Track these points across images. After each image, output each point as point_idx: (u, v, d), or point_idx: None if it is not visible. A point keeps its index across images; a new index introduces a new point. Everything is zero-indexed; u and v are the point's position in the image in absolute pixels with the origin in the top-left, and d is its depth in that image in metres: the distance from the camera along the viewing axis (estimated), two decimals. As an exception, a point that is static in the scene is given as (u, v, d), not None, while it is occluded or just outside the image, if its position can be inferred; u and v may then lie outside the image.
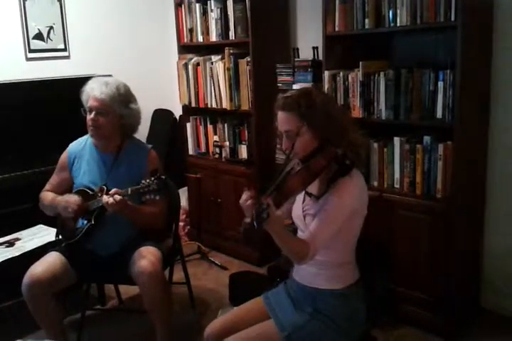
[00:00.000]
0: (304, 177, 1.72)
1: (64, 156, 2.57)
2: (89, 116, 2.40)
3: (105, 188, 2.35)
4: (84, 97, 2.45)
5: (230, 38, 3.45)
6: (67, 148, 2.59)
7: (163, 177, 2.20)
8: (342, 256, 1.87)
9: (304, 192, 1.87)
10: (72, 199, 2.39)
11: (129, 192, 2.24)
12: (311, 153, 1.77)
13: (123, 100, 2.43)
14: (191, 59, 3.75)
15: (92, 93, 2.39)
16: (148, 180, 2.20)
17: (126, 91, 2.47)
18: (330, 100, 1.93)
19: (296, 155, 1.80)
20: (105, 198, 2.25)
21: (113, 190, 2.27)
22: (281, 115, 1.82)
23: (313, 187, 1.84)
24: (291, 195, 1.74)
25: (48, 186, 2.58)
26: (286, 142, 1.81)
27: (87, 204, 2.39)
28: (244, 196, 1.65)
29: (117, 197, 2.23)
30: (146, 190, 2.20)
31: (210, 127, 3.80)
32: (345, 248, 1.88)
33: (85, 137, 2.57)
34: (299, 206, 1.92)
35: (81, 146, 2.56)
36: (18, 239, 2.74)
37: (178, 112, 3.97)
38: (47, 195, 2.53)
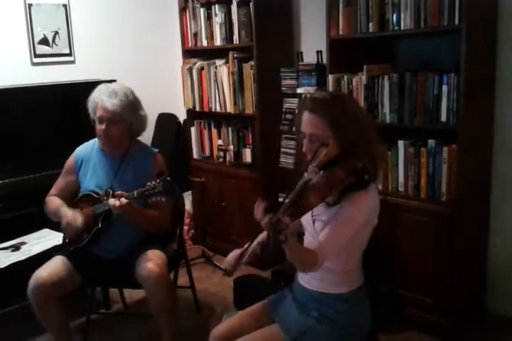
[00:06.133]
0: (323, 192, 1.66)
1: (71, 160, 2.58)
2: (100, 127, 2.41)
3: (111, 191, 2.36)
4: (91, 106, 2.45)
5: (234, 42, 3.46)
6: (74, 152, 2.60)
7: (169, 179, 2.21)
8: (348, 263, 1.86)
9: None
10: (76, 220, 2.37)
11: (135, 194, 2.25)
12: (330, 160, 1.72)
13: (132, 108, 2.44)
14: (195, 63, 3.77)
15: (102, 104, 2.38)
16: (154, 182, 2.21)
17: (134, 98, 2.48)
18: (361, 110, 1.86)
19: (316, 160, 1.73)
20: (111, 201, 2.26)
21: (118, 193, 2.28)
22: (307, 116, 1.77)
23: None
24: (309, 209, 1.70)
25: (53, 189, 2.59)
26: (308, 144, 1.77)
27: (92, 210, 2.40)
28: (259, 211, 1.60)
29: (123, 200, 2.24)
30: (151, 192, 2.20)
31: (214, 131, 3.81)
32: (352, 256, 1.87)
33: (92, 141, 2.58)
34: None
35: (88, 150, 2.57)
36: (24, 243, 2.75)
37: (182, 116, 3.98)
38: (52, 201, 2.53)
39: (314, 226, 1.85)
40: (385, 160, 2.76)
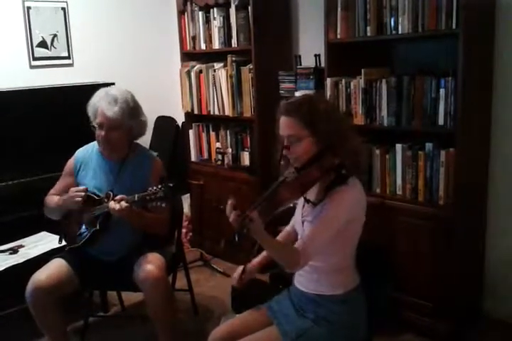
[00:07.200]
0: (295, 188, 1.73)
1: (71, 162, 2.59)
2: (100, 132, 2.40)
3: (111, 194, 2.36)
4: (91, 110, 2.44)
5: (233, 45, 3.47)
6: (75, 154, 2.60)
7: (171, 184, 2.21)
8: (341, 261, 1.88)
9: (303, 199, 1.88)
10: (78, 188, 2.41)
11: (136, 198, 2.25)
12: (309, 160, 1.78)
13: (133, 114, 2.43)
14: (194, 66, 3.78)
15: (102, 111, 2.37)
16: (155, 188, 2.21)
17: (135, 104, 2.47)
18: (332, 107, 1.95)
19: (296, 160, 1.80)
20: (112, 204, 2.26)
21: (119, 196, 2.28)
22: (283, 120, 1.83)
23: (312, 194, 1.85)
24: (281, 205, 1.75)
25: (52, 191, 2.58)
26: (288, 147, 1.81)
27: (92, 212, 2.40)
28: (228, 207, 1.71)
29: (123, 203, 2.24)
30: (152, 197, 2.20)
31: (212, 134, 3.82)
32: (344, 253, 1.88)
33: (92, 144, 2.58)
34: (299, 212, 1.94)
35: (88, 153, 2.57)
36: (21, 246, 2.75)
37: (180, 119, 3.97)
38: (52, 198, 2.53)
39: (303, 227, 1.88)
40: (382, 161, 2.77)
